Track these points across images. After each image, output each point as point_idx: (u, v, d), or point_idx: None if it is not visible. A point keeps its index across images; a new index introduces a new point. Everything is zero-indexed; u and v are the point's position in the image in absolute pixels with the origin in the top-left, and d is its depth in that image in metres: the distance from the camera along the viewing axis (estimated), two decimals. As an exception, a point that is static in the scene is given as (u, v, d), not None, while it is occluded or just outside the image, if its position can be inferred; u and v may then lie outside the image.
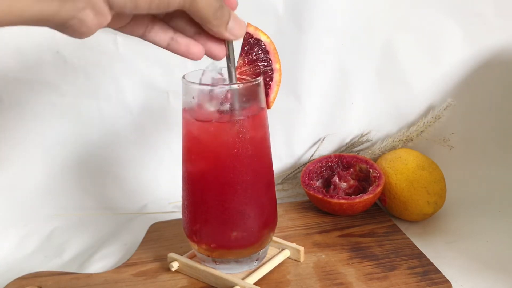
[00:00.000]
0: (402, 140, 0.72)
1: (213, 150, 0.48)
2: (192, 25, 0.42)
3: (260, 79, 0.48)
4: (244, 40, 0.49)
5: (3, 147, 0.69)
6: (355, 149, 0.75)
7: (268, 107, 0.50)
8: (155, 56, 0.69)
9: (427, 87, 0.74)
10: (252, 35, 0.48)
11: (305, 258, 0.55)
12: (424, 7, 0.71)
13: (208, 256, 0.51)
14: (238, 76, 0.48)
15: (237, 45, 0.50)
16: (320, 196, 0.62)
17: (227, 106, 0.46)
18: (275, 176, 0.54)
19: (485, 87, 0.75)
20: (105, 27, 0.36)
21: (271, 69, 0.50)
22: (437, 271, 0.52)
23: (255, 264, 0.52)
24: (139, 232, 0.64)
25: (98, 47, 0.68)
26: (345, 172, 0.67)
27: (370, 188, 0.63)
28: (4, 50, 0.66)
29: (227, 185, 0.48)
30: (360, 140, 0.74)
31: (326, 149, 0.75)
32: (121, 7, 0.34)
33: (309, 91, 0.73)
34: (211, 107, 0.47)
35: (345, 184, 0.66)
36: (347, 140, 0.76)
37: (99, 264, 0.59)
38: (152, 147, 0.74)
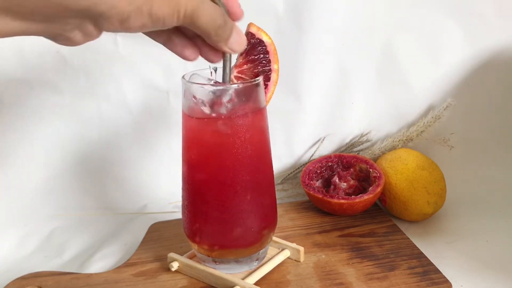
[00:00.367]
0: (402, 140, 0.72)
1: (213, 150, 0.48)
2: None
3: (260, 79, 0.48)
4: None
5: (3, 147, 0.69)
6: (355, 149, 0.75)
7: None
8: (155, 56, 0.69)
9: (427, 87, 0.74)
10: (254, 35, 0.49)
11: (305, 258, 0.55)
12: (424, 7, 0.71)
13: (208, 256, 0.51)
14: (236, 74, 0.48)
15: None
16: (320, 196, 0.62)
17: (227, 106, 0.46)
18: (275, 176, 0.54)
19: (485, 87, 0.75)
20: None
21: (270, 70, 0.50)
22: (437, 271, 0.52)
23: (255, 264, 0.52)
24: (139, 232, 0.64)
25: (98, 47, 0.68)
26: (345, 172, 0.67)
27: (370, 188, 0.63)
28: (4, 50, 0.66)
29: (227, 185, 0.48)
30: (360, 140, 0.75)
31: (326, 149, 0.75)
32: (111, 30, 0.33)
33: (309, 91, 0.73)
34: (211, 107, 0.47)
35: (345, 184, 0.66)
36: (347, 140, 0.76)
37: (99, 264, 0.59)
38: (152, 147, 0.74)
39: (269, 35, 0.49)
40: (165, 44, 0.42)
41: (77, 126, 0.71)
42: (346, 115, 0.75)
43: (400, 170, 0.63)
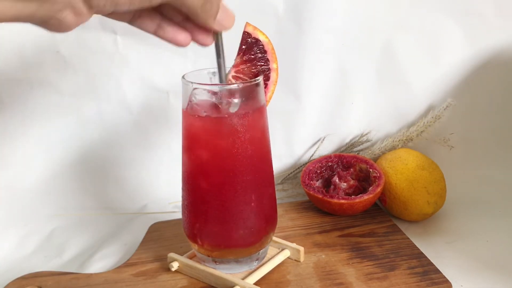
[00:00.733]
0: (402, 140, 0.72)
1: (213, 150, 0.48)
2: (180, 12, 0.41)
3: (260, 79, 0.48)
4: (242, 39, 0.49)
5: (3, 147, 0.69)
6: (355, 149, 0.75)
7: None
8: (155, 56, 0.69)
9: (427, 87, 0.74)
10: (251, 35, 0.49)
11: (305, 258, 0.55)
12: (424, 7, 0.71)
13: (208, 256, 0.51)
14: (234, 74, 0.48)
15: (235, 44, 0.50)
16: (320, 196, 0.62)
17: (227, 106, 0.46)
18: (275, 176, 0.54)
19: (485, 87, 0.75)
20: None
21: (268, 69, 0.50)
22: (437, 271, 0.52)
23: (255, 264, 0.52)
24: (139, 232, 0.64)
25: (98, 47, 0.68)
26: (345, 172, 0.67)
27: (370, 188, 0.63)
28: (4, 50, 0.66)
29: (227, 185, 0.48)
30: (360, 140, 0.75)
31: (326, 149, 0.75)
32: (101, 7, 0.34)
33: (309, 91, 0.73)
34: (210, 107, 0.47)
35: (345, 184, 0.66)
36: (347, 140, 0.76)
37: (99, 264, 0.59)
38: (152, 147, 0.74)
39: (266, 34, 0.49)
40: (156, 33, 0.42)
41: (77, 126, 0.71)
42: (346, 115, 0.75)
43: (400, 170, 0.63)
